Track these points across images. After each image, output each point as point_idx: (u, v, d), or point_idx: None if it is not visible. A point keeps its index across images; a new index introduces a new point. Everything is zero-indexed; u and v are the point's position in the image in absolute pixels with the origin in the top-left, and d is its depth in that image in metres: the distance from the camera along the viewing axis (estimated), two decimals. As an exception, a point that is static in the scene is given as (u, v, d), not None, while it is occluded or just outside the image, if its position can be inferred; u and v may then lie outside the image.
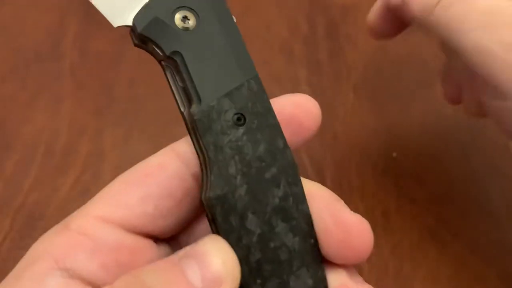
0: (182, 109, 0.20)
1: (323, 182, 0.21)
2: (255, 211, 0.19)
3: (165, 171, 0.20)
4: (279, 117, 0.20)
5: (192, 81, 0.20)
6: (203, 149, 0.19)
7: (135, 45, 0.20)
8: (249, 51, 0.21)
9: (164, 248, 0.21)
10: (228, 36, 0.20)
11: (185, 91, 0.20)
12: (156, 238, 0.21)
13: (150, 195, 0.20)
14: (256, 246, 0.19)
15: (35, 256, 0.19)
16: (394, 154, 0.40)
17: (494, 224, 0.37)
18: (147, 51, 0.20)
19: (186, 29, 0.20)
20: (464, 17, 0.25)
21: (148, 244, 0.20)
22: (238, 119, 0.20)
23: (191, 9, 0.20)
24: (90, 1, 0.20)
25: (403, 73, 0.45)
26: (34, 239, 0.20)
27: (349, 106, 0.43)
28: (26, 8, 0.48)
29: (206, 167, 0.19)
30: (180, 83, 0.20)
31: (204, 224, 0.22)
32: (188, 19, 0.20)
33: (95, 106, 0.43)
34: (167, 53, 0.20)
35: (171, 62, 0.20)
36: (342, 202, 0.20)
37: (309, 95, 0.22)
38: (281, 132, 0.20)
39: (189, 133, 0.20)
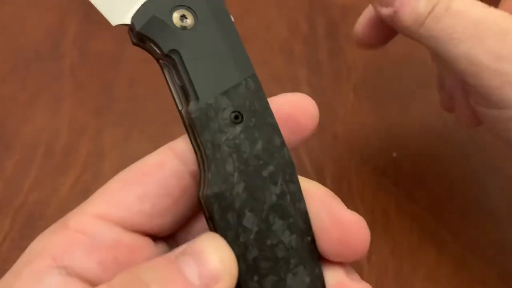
0: (180, 107, 0.20)
1: (323, 182, 0.21)
2: (253, 208, 0.19)
3: (163, 170, 0.20)
4: (276, 115, 0.20)
5: (190, 79, 0.20)
6: (201, 147, 0.19)
7: (134, 43, 0.21)
8: (249, 51, 0.21)
9: (162, 246, 0.21)
10: (226, 34, 0.20)
11: (183, 89, 0.20)
12: (154, 236, 0.21)
13: (148, 193, 0.20)
14: (254, 243, 0.19)
15: (34, 254, 0.19)
16: (394, 154, 0.40)
17: (494, 224, 0.37)
18: (145, 49, 0.21)
19: (184, 27, 0.20)
20: (454, 28, 0.25)
21: (146, 242, 0.21)
22: (236, 117, 0.20)
23: (189, 8, 0.20)
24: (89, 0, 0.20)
25: (403, 73, 0.45)
26: (34, 239, 0.20)
27: (349, 106, 0.43)
28: (26, 8, 0.49)
29: (203, 165, 0.19)
30: (178, 82, 0.20)
31: (201, 222, 0.22)
32: (186, 18, 0.20)
33: (95, 106, 0.43)
34: (165, 51, 0.20)
35: (169, 61, 0.20)
36: (339, 200, 0.20)
37: (309, 95, 0.22)
38: (279, 130, 0.20)
39: (187, 131, 0.20)
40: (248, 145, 0.20)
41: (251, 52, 0.21)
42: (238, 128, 0.20)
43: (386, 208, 0.37)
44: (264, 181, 0.19)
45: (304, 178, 0.21)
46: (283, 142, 0.20)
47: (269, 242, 0.19)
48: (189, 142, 0.20)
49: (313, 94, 0.25)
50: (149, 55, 0.21)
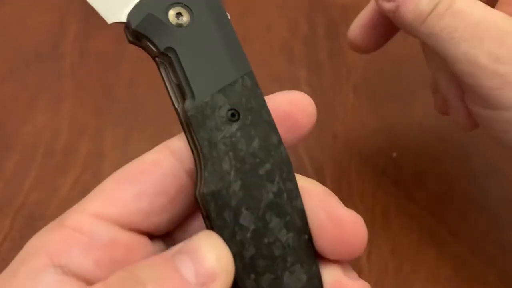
0: (176, 105, 0.20)
1: (322, 182, 0.21)
2: (249, 207, 0.19)
3: (160, 168, 0.20)
4: (274, 113, 0.20)
5: (186, 77, 0.20)
6: (197, 145, 0.19)
7: (129, 41, 0.21)
8: (249, 51, 0.21)
9: (158, 245, 0.21)
10: (222, 32, 0.20)
11: (179, 87, 0.20)
12: (151, 235, 0.21)
13: (145, 192, 0.20)
14: (250, 241, 0.19)
15: (30, 252, 0.19)
16: (394, 154, 0.40)
17: (494, 224, 0.37)
18: (141, 47, 0.20)
19: (180, 25, 0.20)
20: (455, 27, 0.25)
21: (143, 240, 0.20)
22: (232, 115, 0.20)
23: (185, 5, 0.20)
24: (86, -1, 0.20)
25: (403, 73, 0.45)
26: (33, 238, 0.20)
27: (349, 106, 0.43)
28: (26, 8, 0.49)
29: (200, 163, 0.19)
30: (174, 79, 0.20)
31: (198, 221, 0.22)
32: (182, 16, 0.20)
33: (95, 106, 0.43)
34: (161, 49, 0.20)
35: (165, 58, 0.20)
36: (336, 198, 0.20)
37: (309, 95, 0.22)
38: (275, 128, 0.20)
39: (183, 130, 0.20)
40: (244, 143, 0.19)
41: (251, 52, 0.21)
42: (235, 126, 0.20)
43: (386, 208, 0.37)
44: (261, 179, 0.19)
45: (301, 176, 0.21)
46: (280, 140, 0.20)
47: (266, 240, 0.19)
48: (186, 140, 0.20)
49: (313, 94, 0.25)
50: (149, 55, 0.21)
